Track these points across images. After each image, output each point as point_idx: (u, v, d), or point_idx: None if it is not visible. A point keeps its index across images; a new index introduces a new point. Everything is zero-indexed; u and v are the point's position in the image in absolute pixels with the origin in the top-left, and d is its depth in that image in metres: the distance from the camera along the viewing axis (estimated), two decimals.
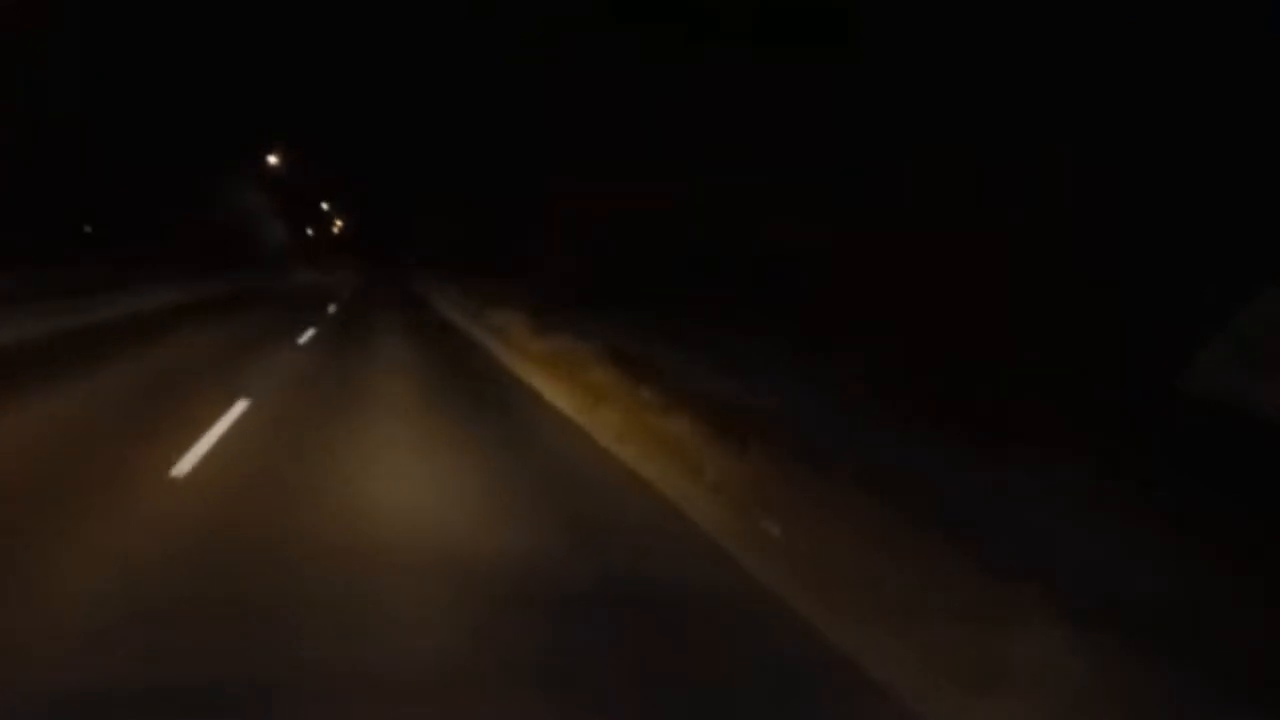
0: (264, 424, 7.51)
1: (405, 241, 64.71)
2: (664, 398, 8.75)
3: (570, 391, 10.09)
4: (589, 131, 19.19)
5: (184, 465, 5.80)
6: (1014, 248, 9.30)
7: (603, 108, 18.19)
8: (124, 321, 15.89)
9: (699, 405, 8.16)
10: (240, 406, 8.00)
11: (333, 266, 62.57)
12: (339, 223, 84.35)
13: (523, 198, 26.76)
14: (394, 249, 66.89)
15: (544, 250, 22.73)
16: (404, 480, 6.13)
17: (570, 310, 16.79)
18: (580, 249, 19.77)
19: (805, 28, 11.76)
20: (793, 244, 11.89)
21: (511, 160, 28.02)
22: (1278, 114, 7.59)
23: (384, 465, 6.47)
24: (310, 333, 16.00)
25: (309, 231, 76.64)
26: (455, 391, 10.85)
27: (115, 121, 28.55)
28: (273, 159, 53.38)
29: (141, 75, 29.65)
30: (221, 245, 41.40)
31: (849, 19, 11.30)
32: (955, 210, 10.03)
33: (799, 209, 11.67)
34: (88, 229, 31.79)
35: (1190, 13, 8.37)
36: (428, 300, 31.75)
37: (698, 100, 14.28)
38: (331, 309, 24.38)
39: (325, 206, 77.80)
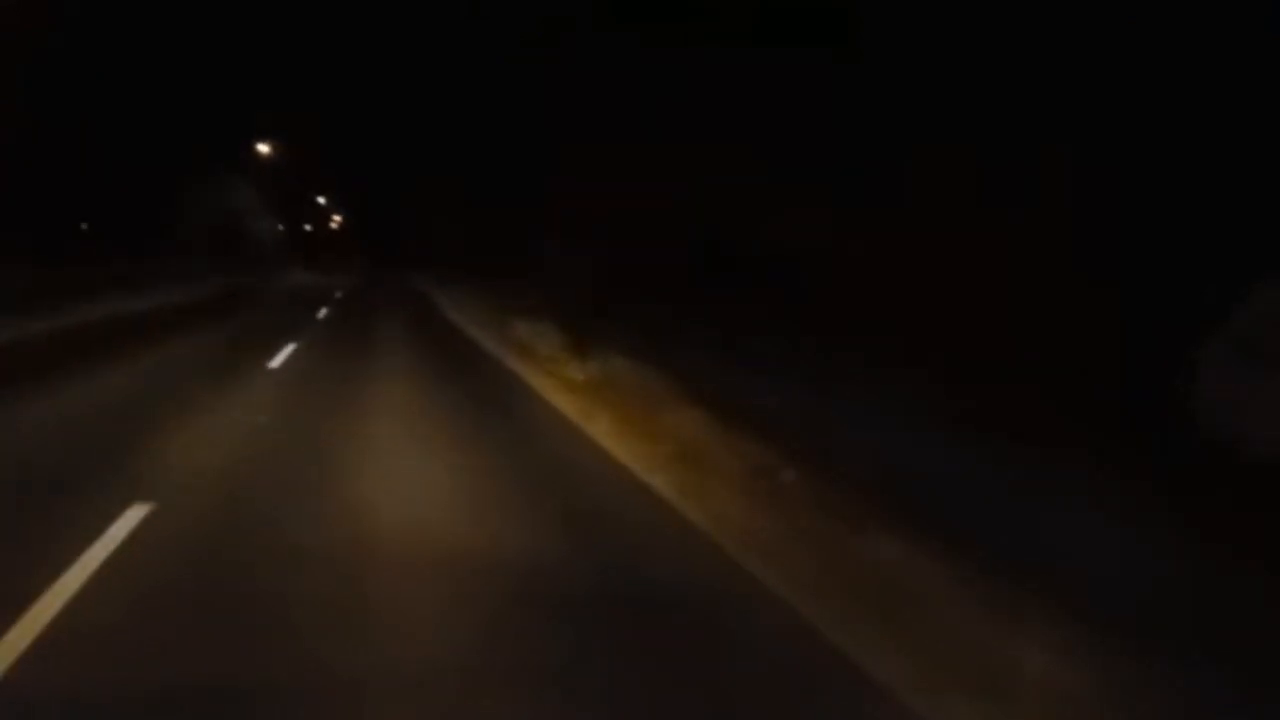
0: (157, 573, 4.03)
1: (406, 239, 64.01)
2: (806, 471, 5.91)
3: (658, 456, 6.63)
4: (590, 130, 19.09)
5: None
6: (1014, 248, 9.36)
7: (603, 107, 18.16)
8: (51, 340, 12.79)
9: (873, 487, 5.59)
10: (131, 519, 4.60)
11: (330, 265, 61.77)
12: (337, 218, 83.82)
13: (526, 196, 26.08)
14: (395, 246, 66.27)
15: (552, 250, 21.86)
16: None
17: (596, 318, 14.66)
18: (589, 249, 18.95)
19: (805, 28, 11.79)
20: (795, 243, 11.84)
21: (513, 158, 27.72)
22: (1276, 114, 7.65)
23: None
24: (289, 350, 12.57)
25: (307, 228, 76.28)
26: (492, 456, 6.87)
27: (110, 118, 28.36)
28: (264, 148, 50.74)
29: (136, 70, 29.39)
30: (210, 244, 39.94)
31: (849, 19, 11.32)
32: (955, 210, 10.07)
33: (801, 208, 11.69)
34: (84, 226, 31.64)
35: (1190, 13, 8.41)
36: (434, 304, 27.30)
37: (698, 100, 14.28)
38: (323, 314, 21.27)
39: (322, 201, 77.06)
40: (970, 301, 9.48)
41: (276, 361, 11.60)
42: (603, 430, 7.81)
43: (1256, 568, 4.65)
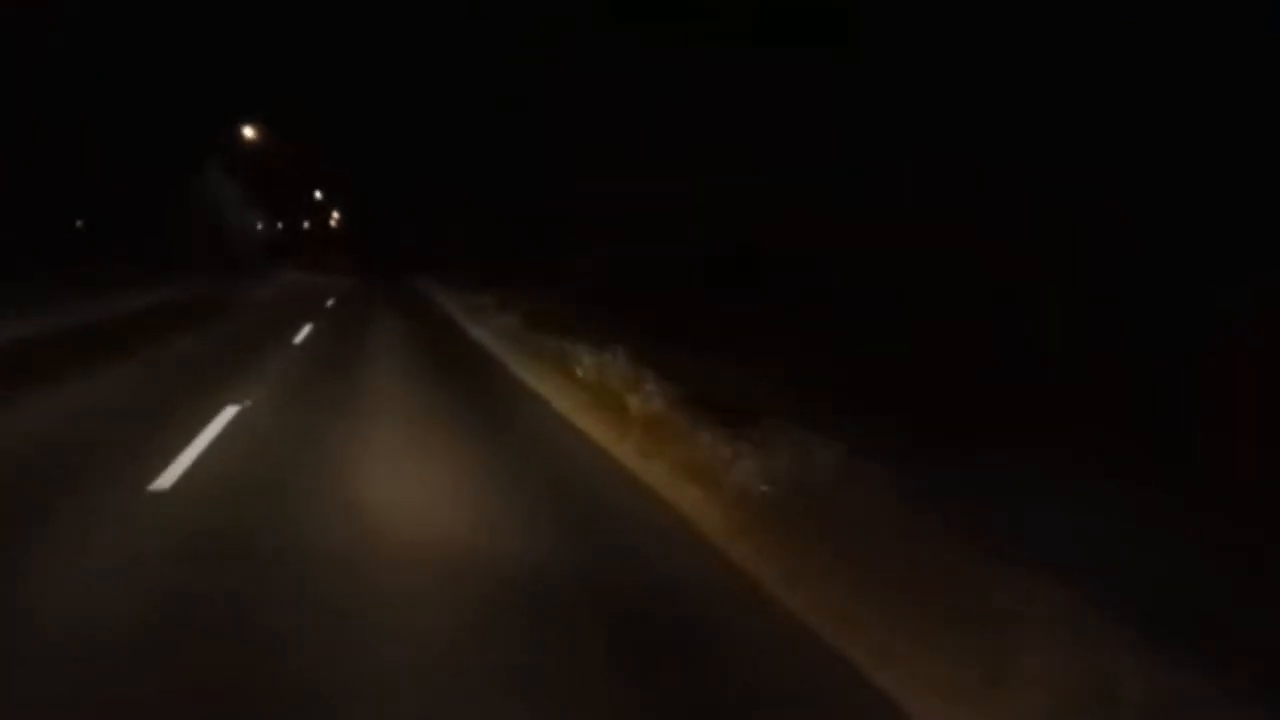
0: None
1: (408, 238, 62.39)
2: None
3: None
4: (593, 130, 18.80)
5: None
6: (1014, 248, 9.35)
7: (605, 106, 18.00)
8: None
9: None
10: None
11: (328, 264, 60.39)
12: (336, 215, 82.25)
13: (536, 195, 25.02)
14: (396, 246, 64.59)
15: (574, 253, 20.25)
16: None
17: (670, 340, 10.76)
18: (612, 253, 17.29)
19: (805, 27, 11.78)
20: (825, 247, 11.40)
21: (520, 157, 26.94)
22: (1276, 113, 7.65)
23: None
24: (219, 425, 7.25)
25: (305, 225, 75.19)
26: None
27: (106, 115, 27.90)
28: (249, 132, 45.75)
29: (130, 64, 28.74)
30: (193, 240, 36.60)
31: (849, 19, 11.31)
32: (955, 210, 10.06)
33: (804, 209, 11.60)
34: (79, 224, 31.01)
35: (1190, 12, 8.42)
36: (447, 314, 22.07)
37: (697, 100, 14.20)
38: (303, 335, 15.27)
39: (319, 196, 75.28)
40: (970, 303, 9.47)
41: (176, 470, 5.79)
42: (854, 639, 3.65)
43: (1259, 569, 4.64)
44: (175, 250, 33.78)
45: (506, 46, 25.51)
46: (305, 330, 16.08)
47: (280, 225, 66.63)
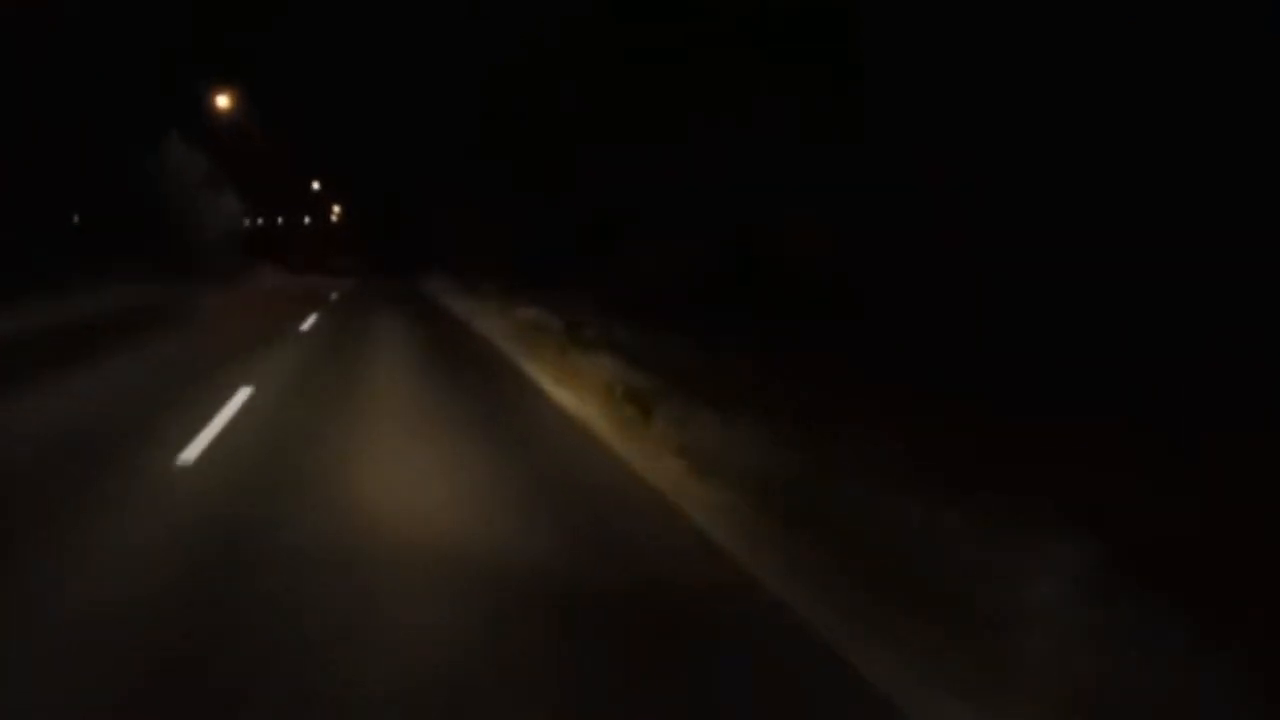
0: None
1: (418, 236, 58.85)
2: None
3: None
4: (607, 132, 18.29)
5: None
6: (1014, 249, 9.36)
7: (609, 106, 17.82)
8: None
9: None
10: None
11: (326, 263, 56.21)
12: (337, 209, 79.63)
13: (550, 197, 23.84)
14: (405, 244, 61.28)
15: (598, 254, 18.79)
16: None
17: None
18: (643, 253, 15.83)
19: (804, 28, 11.77)
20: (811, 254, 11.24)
21: (528, 156, 25.81)
22: (1275, 114, 7.64)
23: None
24: None
25: (306, 220, 73.34)
26: None
27: (102, 107, 27.32)
28: (223, 101, 38.39)
29: (124, 52, 27.93)
30: (134, 230, 29.13)
31: (848, 20, 11.31)
32: (955, 212, 10.07)
33: (810, 214, 11.53)
34: (75, 219, 30.45)
35: (1190, 14, 8.41)
36: (510, 362, 12.70)
37: (697, 102, 14.12)
38: (242, 396, 8.00)
39: (317, 186, 71.04)
40: (971, 305, 9.47)
41: None
42: None
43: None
44: (128, 245, 27.80)
45: (507, 48, 25.25)
46: (241, 396, 8.18)
47: (281, 220, 65.31)
